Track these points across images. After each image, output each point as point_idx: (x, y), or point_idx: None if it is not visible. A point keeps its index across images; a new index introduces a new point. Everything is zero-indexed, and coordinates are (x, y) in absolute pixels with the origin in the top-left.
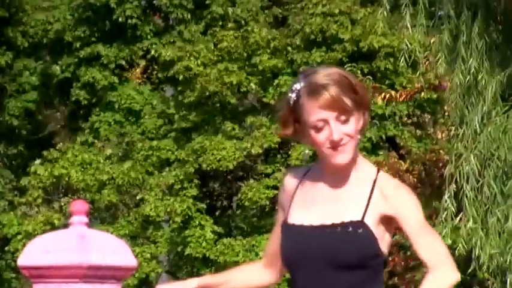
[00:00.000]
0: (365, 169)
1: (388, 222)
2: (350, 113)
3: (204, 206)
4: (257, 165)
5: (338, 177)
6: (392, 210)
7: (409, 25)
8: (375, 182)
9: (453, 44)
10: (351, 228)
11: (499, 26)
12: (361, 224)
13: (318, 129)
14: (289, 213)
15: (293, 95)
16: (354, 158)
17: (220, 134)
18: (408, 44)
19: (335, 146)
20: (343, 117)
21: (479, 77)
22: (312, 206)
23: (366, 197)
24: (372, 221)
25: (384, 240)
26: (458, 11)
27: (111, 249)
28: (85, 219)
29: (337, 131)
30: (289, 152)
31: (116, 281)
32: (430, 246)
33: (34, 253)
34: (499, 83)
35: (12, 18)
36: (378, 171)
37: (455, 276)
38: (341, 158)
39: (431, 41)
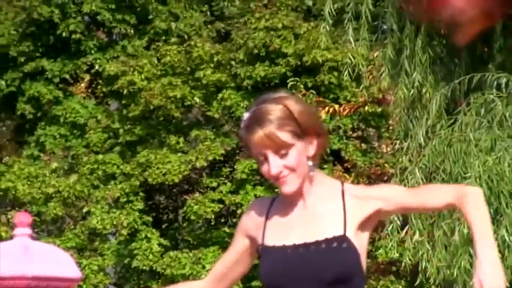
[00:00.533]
0: (330, 185)
1: (370, 223)
2: (289, 146)
3: (150, 219)
4: (202, 178)
5: (307, 199)
6: (373, 205)
7: (352, 39)
8: (343, 193)
9: (397, 58)
10: (335, 244)
11: (443, 39)
12: (344, 238)
13: (260, 162)
14: (265, 237)
15: (242, 124)
16: (311, 180)
17: (165, 147)
18: (352, 58)
19: (275, 179)
20: (282, 151)
21: (424, 90)
22: (289, 228)
23: (341, 210)
24: (352, 233)
25: (364, 255)
26: (401, 25)
27: (55, 261)
28: (28, 231)
29: (274, 165)
30: (235, 166)
31: None
32: (435, 193)
33: None
34: (443, 96)
35: None
36: (343, 184)
37: (475, 189)
38: (285, 188)
39: (375, 55)
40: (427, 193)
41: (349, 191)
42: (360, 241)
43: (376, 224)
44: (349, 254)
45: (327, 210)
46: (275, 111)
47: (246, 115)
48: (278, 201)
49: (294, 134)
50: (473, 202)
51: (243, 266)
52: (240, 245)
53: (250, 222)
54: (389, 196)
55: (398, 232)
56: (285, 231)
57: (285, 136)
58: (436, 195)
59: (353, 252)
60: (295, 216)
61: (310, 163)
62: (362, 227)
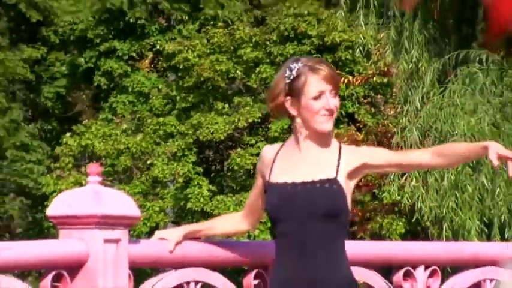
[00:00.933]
0: (331, 141)
1: (356, 174)
2: (338, 89)
3: (201, 169)
4: (243, 136)
5: (312, 145)
6: (362, 159)
7: (362, 23)
8: (340, 148)
9: (398, 38)
10: (327, 184)
11: (436, 23)
12: (334, 181)
13: (316, 98)
14: (271, 175)
15: (293, 72)
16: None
17: (213, 111)
18: (362, 38)
19: (329, 112)
20: (334, 92)
21: (420, 64)
22: (292, 168)
23: (336, 159)
24: (342, 179)
25: (349, 197)
26: (402, 12)
27: (120, 203)
28: (99, 179)
29: (332, 101)
30: (269, 126)
31: (124, 227)
32: (411, 154)
33: (59, 206)
34: (436, 69)
35: (45, 20)
36: (340, 143)
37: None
38: (328, 125)
39: (381, 36)
40: (411, 153)
41: (344, 148)
42: (347, 186)
43: (362, 175)
44: (338, 194)
45: (325, 158)
46: (327, 63)
47: (299, 64)
48: (284, 148)
49: (337, 92)
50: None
51: (262, 198)
52: (258, 182)
53: (262, 164)
54: (375, 154)
55: (399, 179)
56: (288, 171)
57: (337, 80)
58: (418, 153)
59: (341, 193)
60: (297, 160)
61: None
62: (350, 175)
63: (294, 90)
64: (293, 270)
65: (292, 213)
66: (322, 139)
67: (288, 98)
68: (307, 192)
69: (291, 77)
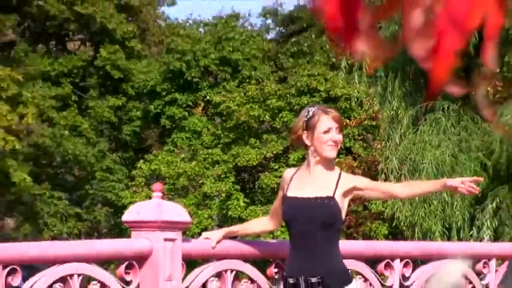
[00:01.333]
0: (334, 167)
1: (349, 194)
2: (342, 128)
3: (238, 187)
4: (269, 163)
5: (320, 169)
6: (354, 182)
7: (357, 82)
8: (340, 174)
9: (383, 92)
10: (326, 201)
11: (411, 81)
12: (332, 198)
13: (325, 132)
14: (288, 190)
15: (309, 113)
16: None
17: (248, 145)
18: (357, 92)
19: (335, 143)
20: (338, 129)
21: (399, 112)
22: (302, 186)
23: (335, 181)
24: (338, 197)
25: (344, 211)
26: (386, 72)
27: (176, 211)
28: (160, 194)
29: (338, 136)
30: (289, 156)
31: (179, 230)
32: (388, 184)
33: (131, 213)
34: (410, 115)
35: (125, 77)
36: (340, 170)
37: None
38: (332, 153)
39: (371, 91)
40: (388, 184)
41: (343, 174)
42: (342, 202)
43: (353, 195)
44: (333, 208)
45: (327, 180)
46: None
47: (314, 108)
48: (299, 171)
49: (342, 129)
50: (411, 183)
51: (282, 207)
52: (280, 195)
53: (283, 182)
54: (363, 181)
55: None
56: (300, 189)
57: (342, 124)
58: (392, 184)
59: (336, 207)
60: (307, 181)
61: None
62: (344, 194)
63: (309, 126)
64: (300, 262)
65: (299, 219)
66: (327, 165)
67: (305, 132)
68: (310, 205)
69: (308, 116)
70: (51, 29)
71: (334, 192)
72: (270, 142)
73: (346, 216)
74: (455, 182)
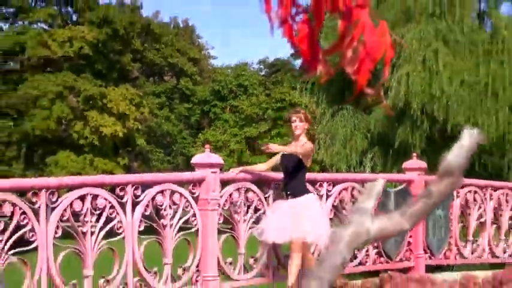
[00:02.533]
0: (302, 138)
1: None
2: (302, 119)
3: (247, 147)
4: (262, 135)
5: (293, 143)
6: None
7: (305, 93)
8: (305, 141)
9: (318, 99)
10: (295, 159)
11: (332, 92)
12: (295, 155)
13: (293, 121)
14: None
15: (288, 115)
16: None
17: (251, 127)
18: (305, 99)
19: (295, 127)
20: (299, 120)
21: (326, 110)
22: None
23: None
24: (299, 151)
25: (306, 162)
26: (319, 87)
27: (216, 158)
28: (208, 150)
29: (297, 123)
30: (271, 132)
31: (218, 167)
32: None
33: (195, 159)
34: (331, 112)
35: (191, 94)
36: (304, 142)
37: None
38: (297, 131)
39: (311, 99)
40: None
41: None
42: (305, 159)
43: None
44: (298, 162)
45: (299, 144)
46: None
47: (290, 111)
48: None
49: (302, 120)
50: None
51: (276, 163)
52: (277, 158)
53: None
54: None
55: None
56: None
57: (302, 117)
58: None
59: (300, 161)
60: (291, 145)
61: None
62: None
63: (288, 120)
64: (284, 187)
65: (284, 170)
66: (298, 137)
67: (288, 123)
68: (285, 159)
69: (287, 117)
70: (155, 69)
71: (296, 150)
72: (261, 125)
73: None
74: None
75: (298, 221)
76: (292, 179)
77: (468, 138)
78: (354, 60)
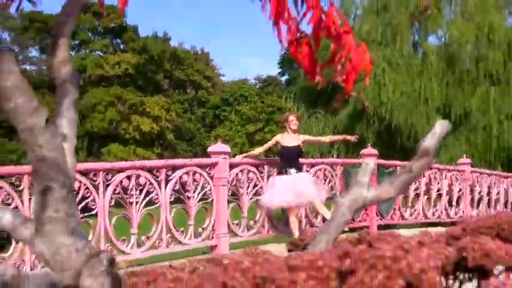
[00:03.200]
0: (297, 132)
1: (303, 142)
2: (298, 118)
3: (247, 140)
4: (257, 132)
5: (291, 134)
6: (303, 138)
7: (290, 101)
8: (299, 134)
9: (298, 105)
10: (297, 147)
11: (309, 99)
12: (299, 145)
13: (291, 121)
14: (282, 143)
15: (286, 115)
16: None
17: (249, 124)
18: (290, 105)
19: (294, 124)
20: (296, 118)
21: (304, 113)
22: (288, 141)
23: (298, 138)
24: (300, 144)
25: (303, 149)
26: (299, 94)
27: (226, 147)
28: (219, 142)
29: (295, 120)
30: (265, 129)
31: (226, 154)
32: (317, 138)
33: (211, 148)
34: (308, 115)
35: (207, 101)
36: (299, 134)
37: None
38: (294, 127)
39: (295, 105)
40: (318, 138)
41: (301, 135)
42: (302, 146)
43: (304, 143)
44: (299, 149)
45: (295, 138)
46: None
47: (288, 113)
48: (284, 134)
49: (298, 119)
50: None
51: (274, 146)
52: (273, 141)
53: (278, 137)
54: (306, 137)
55: None
56: (288, 143)
57: (297, 117)
58: (320, 138)
59: (300, 148)
60: (289, 139)
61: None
62: (302, 143)
63: (285, 120)
64: (287, 166)
65: (288, 153)
66: (294, 132)
67: (285, 122)
68: (292, 148)
69: (285, 116)
70: (180, 84)
71: (299, 142)
72: (257, 124)
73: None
74: (342, 137)
75: (301, 188)
76: (297, 161)
77: (439, 129)
78: (343, 72)
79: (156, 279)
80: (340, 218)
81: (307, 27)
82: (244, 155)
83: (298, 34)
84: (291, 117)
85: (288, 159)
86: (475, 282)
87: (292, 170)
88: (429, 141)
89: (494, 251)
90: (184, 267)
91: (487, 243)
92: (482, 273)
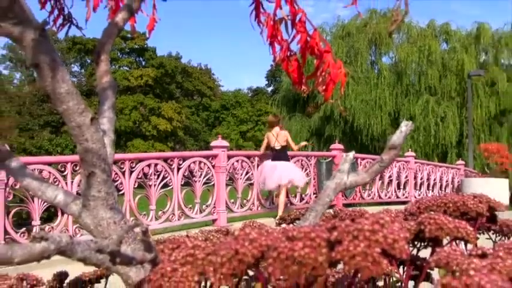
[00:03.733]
0: (284, 131)
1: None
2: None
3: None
4: (249, 130)
5: (281, 132)
6: (287, 136)
7: (275, 107)
8: (285, 133)
9: (277, 110)
10: (284, 143)
11: (290, 106)
12: (286, 142)
13: (281, 127)
14: (271, 141)
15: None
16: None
17: (243, 124)
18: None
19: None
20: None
21: (285, 116)
22: (276, 139)
23: (285, 135)
24: (286, 140)
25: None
26: (282, 101)
27: (224, 142)
28: (219, 138)
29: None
30: (260, 128)
31: (225, 148)
32: (291, 141)
33: (213, 143)
34: (288, 117)
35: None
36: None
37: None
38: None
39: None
40: (292, 142)
41: (286, 133)
42: (287, 142)
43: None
44: (286, 144)
45: (283, 135)
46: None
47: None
48: (271, 131)
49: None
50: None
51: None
52: (266, 141)
53: (269, 136)
54: (288, 137)
55: None
56: (276, 141)
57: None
58: (293, 143)
59: (287, 144)
60: (277, 136)
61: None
62: (287, 140)
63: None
64: (276, 159)
65: (277, 147)
66: (281, 132)
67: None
68: (280, 146)
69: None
70: (189, 92)
71: (286, 140)
72: (249, 124)
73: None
74: (302, 144)
75: (286, 173)
76: (285, 153)
77: (404, 128)
78: (323, 83)
79: (179, 246)
80: (325, 199)
81: (296, 47)
82: (248, 153)
83: (289, 52)
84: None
85: (278, 151)
86: (429, 249)
87: (283, 159)
88: (396, 137)
89: (446, 224)
90: (198, 237)
91: (440, 218)
92: (436, 242)
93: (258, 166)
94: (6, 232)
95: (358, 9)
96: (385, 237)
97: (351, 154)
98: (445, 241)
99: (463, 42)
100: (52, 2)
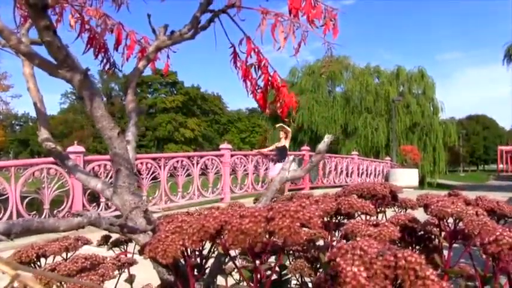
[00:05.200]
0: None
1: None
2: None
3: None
4: (250, 134)
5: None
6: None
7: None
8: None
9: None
10: (283, 144)
11: (267, 120)
12: (284, 145)
13: (280, 130)
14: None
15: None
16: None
17: (241, 133)
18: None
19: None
20: (284, 132)
21: (269, 129)
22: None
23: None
24: (285, 143)
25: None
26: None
27: (229, 146)
28: (226, 142)
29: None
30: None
31: (230, 149)
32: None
33: (221, 146)
34: (270, 128)
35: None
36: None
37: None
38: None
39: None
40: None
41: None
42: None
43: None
44: (284, 146)
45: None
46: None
47: (280, 124)
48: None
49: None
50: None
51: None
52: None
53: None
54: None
55: None
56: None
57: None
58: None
59: (285, 146)
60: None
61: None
62: (287, 142)
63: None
64: (277, 159)
65: (279, 150)
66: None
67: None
68: (281, 149)
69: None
70: (206, 111)
71: (282, 145)
72: (246, 133)
73: None
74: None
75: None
76: (283, 154)
77: (327, 139)
78: (280, 107)
79: (172, 220)
80: (273, 188)
81: (261, 83)
82: (259, 150)
83: (257, 87)
84: (281, 132)
85: (277, 153)
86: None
87: (281, 160)
88: (321, 145)
89: (355, 204)
90: (194, 213)
91: (352, 199)
92: (349, 216)
93: (272, 160)
94: (83, 205)
95: (298, 59)
96: (303, 215)
97: (291, 157)
98: (356, 216)
99: (388, 78)
100: (102, 54)
